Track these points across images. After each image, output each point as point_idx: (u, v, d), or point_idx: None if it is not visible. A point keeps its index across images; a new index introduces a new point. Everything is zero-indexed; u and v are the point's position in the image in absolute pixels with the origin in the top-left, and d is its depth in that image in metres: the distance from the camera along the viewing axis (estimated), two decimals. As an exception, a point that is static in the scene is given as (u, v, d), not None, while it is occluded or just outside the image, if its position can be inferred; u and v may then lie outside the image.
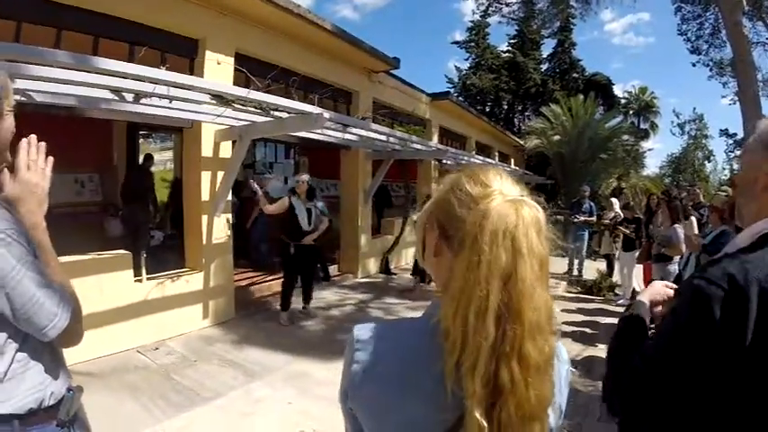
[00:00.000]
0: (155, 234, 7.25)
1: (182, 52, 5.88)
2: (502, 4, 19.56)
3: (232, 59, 6.30)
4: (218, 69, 6.09)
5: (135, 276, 5.44)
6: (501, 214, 0.79)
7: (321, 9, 75.11)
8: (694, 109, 45.69)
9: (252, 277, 8.11)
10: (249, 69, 5.84)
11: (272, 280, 7.82)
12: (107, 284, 4.96)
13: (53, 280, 1.28)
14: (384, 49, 9.00)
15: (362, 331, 0.93)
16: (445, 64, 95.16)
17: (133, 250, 5.54)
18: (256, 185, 6.21)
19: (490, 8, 20.34)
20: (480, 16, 26.82)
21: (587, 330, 6.57)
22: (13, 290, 1.16)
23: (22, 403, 1.25)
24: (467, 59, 33.31)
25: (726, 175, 32.11)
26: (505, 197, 0.82)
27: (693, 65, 20.62)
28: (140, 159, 8.03)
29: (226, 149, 6.33)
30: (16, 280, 1.16)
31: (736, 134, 27.45)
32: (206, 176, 6.14)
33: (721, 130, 30.07)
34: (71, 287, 1.37)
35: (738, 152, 27.23)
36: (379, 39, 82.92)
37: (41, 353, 1.28)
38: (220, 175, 6.18)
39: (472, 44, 32.71)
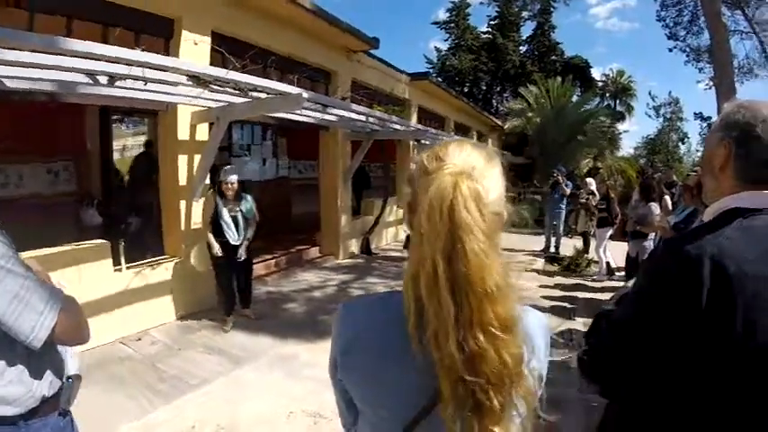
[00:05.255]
0: (132, 221, 7.10)
1: (157, 32, 5.71)
2: (483, -17, 19.50)
3: (209, 39, 6.16)
4: (195, 50, 5.94)
5: (114, 266, 5.34)
6: (439, 188, 0.79)
7: None
8: (670, 92, 46.43)
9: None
10: (226, 49, 5.72)
11: (257, 263, 7.70)
12: (86, 275, 4.85)
13: (40, 277, 1.24)
14: (364, 29, 8.92)
15: (348, 305, 1.01)
16: (426, 44, 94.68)
17: (111, 239, 5.43)
18: None
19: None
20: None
21: (566, 305, 6.72)
22: None
23: (25, 404, 1.24)
24: (446, 40, 33.36)
25: (699, 157, 32.80)
26: (452, 170, 0.82)
27: (670, 50, 21.15)
28: (114, 146, 7.85)
29: (203, 132, 6.20)
30: None
31: (710, 117, 28.11)
32: (183, 160, 6.01)
33: (696, 114, 31.10)
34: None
35: None
36: (360, 18, 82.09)
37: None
38: (197, 158, 6.05)
39: (452, 25, 32.68)
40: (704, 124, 30.17)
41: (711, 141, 1.24)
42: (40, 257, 4.44)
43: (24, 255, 1.27)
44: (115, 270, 5.34)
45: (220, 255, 5.42)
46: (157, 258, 5.96)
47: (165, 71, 4.31)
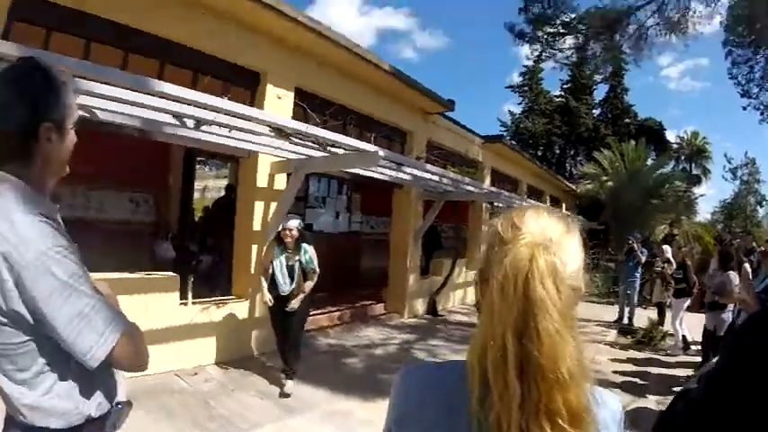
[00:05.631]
0: (203, 258, 7.36)
1: (244, 84, 6.08)
2: (555, 50, 19.68)
3: (292, 94, 6.49)
4: (279, 103, 6.26)
5: (181, 299, 5.50)
6: (514, 260, 0.74)
7: (382, 49, 77.42)
8: (746, 153, 44.22)
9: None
10: (308, 105, 5.96)
11: (320, 314, 7.77)
12: (153, 305, 5.01)
13: (109, 300, 1.26)
14: (440, 91, 9.13)
15: (408, 372, 0.94)
16: (499, 107, 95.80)
17: (181, 273, 5.61)
18: None
19: (543, 54, 20.43)
20: (534, 62, 26.89)
21: (637, 381, 6.27)
22: (59, 309, 1.12)
23: (70, 420, 1.24)
24: (520, 104, 33.64)
25: None
26: (529, 241, 0.77)
27: (744, 108, 20.23)
28: (197, 185, 8.31)
29: (281, 181, 6.42)
30: (64, 297, 1.13)
31: None
32: (259, 206, 6.23)
33: None
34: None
35: None
36: (436, 80, 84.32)
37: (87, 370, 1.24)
38: (273, 206, 6.25)
39: (526, 88, 33.03)
40: None
41: None
42: (111, 281, 4.61)
43: (96, 276, 1.30)
44: (181, 303, 5.50)
45: (271, 304, 5.14)
46: (224, 298, 6.10)
47: (249, 120, 4.53)
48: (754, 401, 0.91)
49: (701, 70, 64.69)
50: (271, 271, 5.08)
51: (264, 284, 5.15)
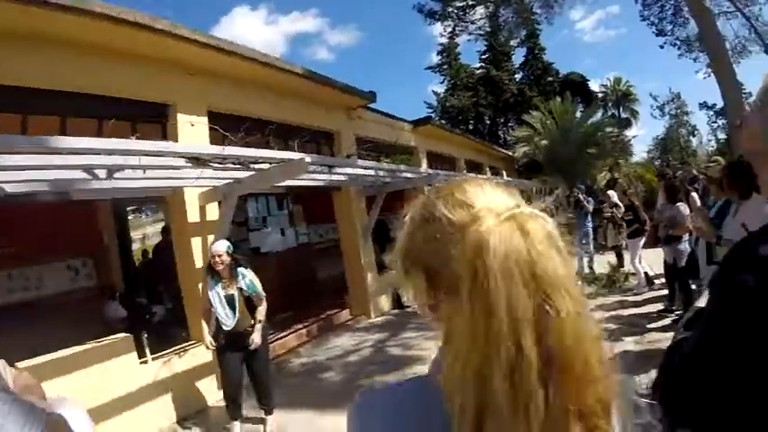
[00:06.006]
0: (156, 309, 7.06)
1: (153, 119, 5.84)
2: (467, 22, 20.06)
3: (205, 119, 6.26)
4: (193, 131, 6.03)
5: (140, 358, 5.20)
6: (503, 240, 0.60)
7: (296, 54, 77.17)
8: (670, 89, 46.53)
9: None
10: (224, 125, 5.79)
11: (287, 335, 7.60)
12: (111, 371, 4.71)
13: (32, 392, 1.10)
14: (363, 85, 9.18)
15: (362, 401, 0.75)
16: (424, 90, 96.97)
17: (135, 330, 5.33)
18: None
19: (457, 28, 20.84)
20: (449, 38, 27.30)
21: (611, 326, 6.32)
22: None
23: None
24: (443, 82, 34.16)
25: (713, 146, 33.45)
26: (499, 215, 0.63)
27: (661, 47, 21.46)
28: (132, 236, 7.99)
29: (213, 212, 6.17)
30: None
31: (715, 104, 28.44)
32: (196, 242, 5.97)
33: (701, 104, 31.58)
34: None
35: (721, 121, 27.99)
36: (357, 75, 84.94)
37: None
38: (211, 238, 5.97)
39: (445, 66, 33.47)
40: (711, 112, 30.56)
41: (756, 121, 0.98)
42: (63, 359, 4.39)
43: (35, 361, 1.15)
44: (141, 362, 5.20)
45: (212, 347, 4.63)
46: (184, 345, 5.82)
47: (162, 156, 4.29)
48: (753, 340, 0.82)
49: (613, 18, 67.22)
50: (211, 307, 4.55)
51: (206, 328, 4.70)
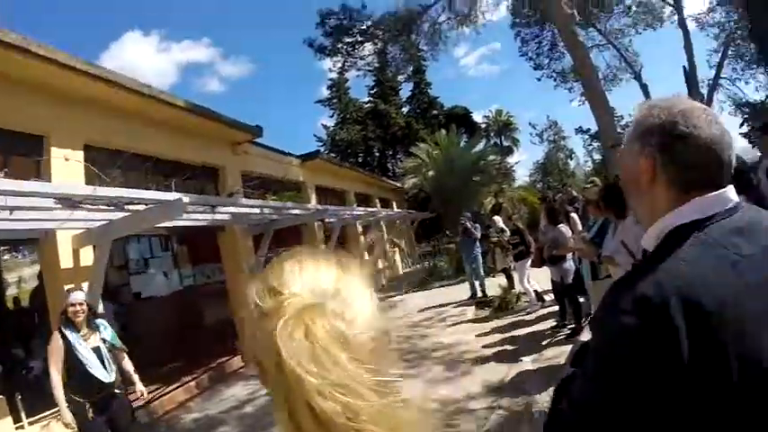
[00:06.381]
0: (33, 364, 6.21)
1: (25, 151, 5.34)
2: (357, 58, 20.54)
3: (81, 153, 5.79)
4: (67, 167, 5.55)
5: (15, 423, 4.63)
6: (285, 342, 0.53)
7: (187, 84, 73.53)
8: (548, 117, 50.91)
9: (150, 391, 7.13)
10: (102, 159, 5.33)
11: (175, 389, 6.97)
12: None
13: None
14: (251, 118, 8.96)
15: None
16: (314, 124, 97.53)
17: (9, 390, 4.76)
18: None
19: (346, 63, 21.19)
20: (338, 73, 27.68)
21: (508, 348, 6.52)
22: None
23: None
24: (332, 116, 34.69)
25: (590, 167, 36.71)
26: (298, 306, 0.56)
27: (539, 79, 23.68)
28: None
29: (87, 256, 5.65)
30: None
31: (590, 129, 31.60)
32: (70, 289, 5.37)
33: (576, 129, 34.77)
34: None
35: (596, 144, 30.81)
36: (246, 108, 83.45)
37: None
38: (85, 286, 5.39)
39: (335, 100, 34.07)
40: (586, 136, 33.52)
41: (628, 157, 1.01)
42: None
43: None
44: (17, 428, 4.65)
45: (75, 427, 3.73)
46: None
47: (29, 196, 3.89)
48: (641, 385, 0.78)
49: (495, 54, 71.05)
50: (67, 365, 3.80)
51: (62, 397, 3.73)
